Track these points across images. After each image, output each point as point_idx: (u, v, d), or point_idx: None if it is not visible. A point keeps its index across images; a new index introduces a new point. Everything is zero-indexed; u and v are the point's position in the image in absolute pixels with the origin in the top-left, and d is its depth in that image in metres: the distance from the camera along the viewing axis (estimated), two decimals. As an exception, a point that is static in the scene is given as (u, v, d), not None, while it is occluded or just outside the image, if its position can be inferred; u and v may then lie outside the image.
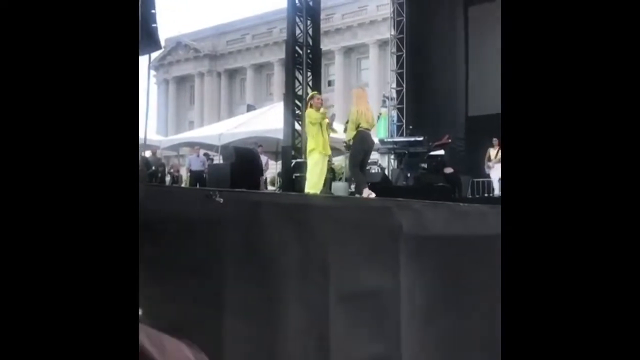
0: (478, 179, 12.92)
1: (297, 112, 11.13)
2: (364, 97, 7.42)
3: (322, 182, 7.19)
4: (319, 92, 11.72)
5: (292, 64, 11.33)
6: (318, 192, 7.01)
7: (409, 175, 11.69)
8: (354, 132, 6.87)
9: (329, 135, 7.39)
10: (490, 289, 3.59)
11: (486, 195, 12.35)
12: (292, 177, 10.84)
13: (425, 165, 11.92)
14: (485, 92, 13.68)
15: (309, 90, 11.43)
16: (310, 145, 7.31)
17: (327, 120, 7.26)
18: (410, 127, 13.53)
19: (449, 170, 12.32)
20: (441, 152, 11.04)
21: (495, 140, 11.91)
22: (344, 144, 7.76)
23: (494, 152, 11.98)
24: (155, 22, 9.12)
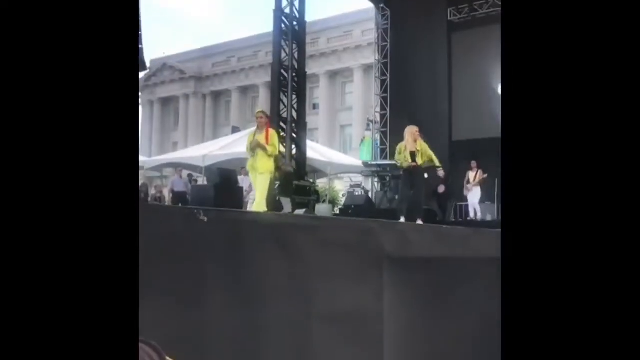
0: (461, 203, 13.01)
1: (282, 134, 11.16)
2: (411, 133, 7.87)
3: (265, 201, 7.28)
4: (304, 115, 11.78)
5: (277, 86, 11.40)
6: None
7: (395, 197, 11.74)
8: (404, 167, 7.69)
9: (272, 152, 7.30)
10: (471, 309, 3.61)
11: (469, 218, 12.44)
12: (277, 199, 10.82)
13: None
14: (468, 117, 13.88)
15: (294, 113, 11.49)
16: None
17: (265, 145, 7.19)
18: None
19: (442, 188, 12.36)
20: (425, 175, 11.10)
21: (473, 163, 12.00)
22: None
23: (472, 175, 12.06)
24: (141, 43, 9.16)
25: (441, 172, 8.19)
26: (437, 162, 7.77)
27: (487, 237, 4.13)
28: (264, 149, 7.17)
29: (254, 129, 7.74)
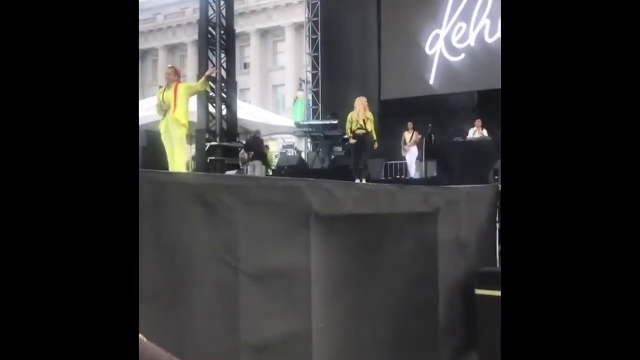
0: (391, 162, 13.30)
1: (211, 94, 10.92)
2: (361, 103, 8.93)
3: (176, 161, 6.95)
4: (233, 74, 11.56)
5: (205, 45, 11.09)
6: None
7: (329, 157, 11.87)
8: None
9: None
10: (398, 265, 3.74)
11: (399, 177, 12.75)
12: (207, 160, 10.66)
13: (340, 149, 12.13)
14: (397, 76, 14.06)
15: (223, 72, 11.24)
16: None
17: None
18: (329, 111, 13.71)
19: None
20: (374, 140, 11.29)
21: (410, 124, 12.27)
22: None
23: (408, 136, 12.35)
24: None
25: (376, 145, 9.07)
26: (374, 136, 8.88)
27: (413, 193, 4.26)
28: (173, 109, 6.85)
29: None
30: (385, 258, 3.65)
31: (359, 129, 8.86)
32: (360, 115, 8.95)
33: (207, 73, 7.65)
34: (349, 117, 9.13)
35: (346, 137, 11.04)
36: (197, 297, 2.42)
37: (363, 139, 8.97)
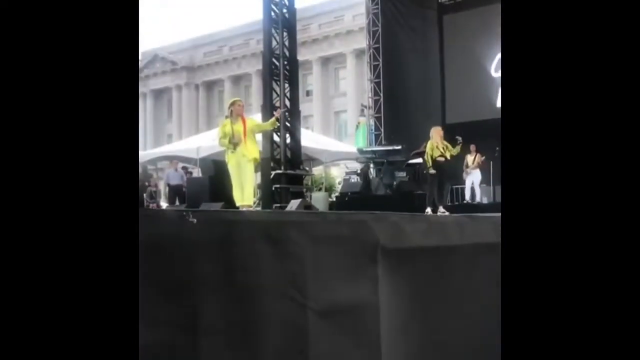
0: (456, 186, 13.02)
1: (276, 124, 11.12)
2: (438, 132, 9.18)
3: (242, 191, 7.04)
4: (297, 103, 11.74)
5: (269, 75, 11.33)
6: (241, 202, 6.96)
7: (392, 183, 11.80)
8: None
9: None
10: (469, 298, 3.60)
11: (466, 202, 12.45)
12: (272, 188, 10.81)
13: (404, 174, 12.02)
14: (462, 100, 13.84)
15: (287, 101, 11.44)
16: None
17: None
18: (392, 136, 13.68)
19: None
20: (419, 160, 11.17)
21: (472, 147, 12.02)
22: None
23: (470, 158, 12.09)
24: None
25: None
26: (454, 151, 9.00)
27: (482, 223, 4.12)
28: (244, 142, 7.03)
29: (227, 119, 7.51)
30: (456, 291, 3.53)
31: (439, 156, 9.05)
32: (439, 144, 9.23)
33: (276, 115, 7.80)
34: (429, 145, 9.30)
35: (411, 162, 10.91)
36: (265, 334, 2.41)
37: (441, 168, 9.14)
